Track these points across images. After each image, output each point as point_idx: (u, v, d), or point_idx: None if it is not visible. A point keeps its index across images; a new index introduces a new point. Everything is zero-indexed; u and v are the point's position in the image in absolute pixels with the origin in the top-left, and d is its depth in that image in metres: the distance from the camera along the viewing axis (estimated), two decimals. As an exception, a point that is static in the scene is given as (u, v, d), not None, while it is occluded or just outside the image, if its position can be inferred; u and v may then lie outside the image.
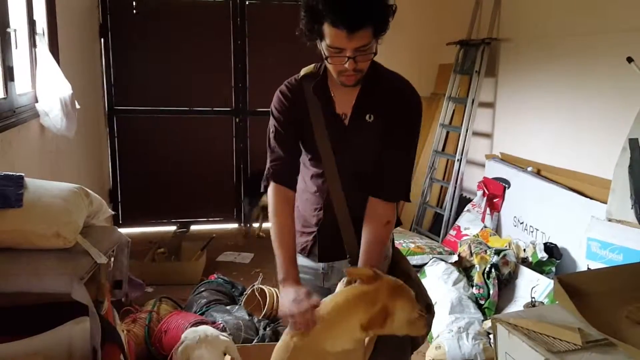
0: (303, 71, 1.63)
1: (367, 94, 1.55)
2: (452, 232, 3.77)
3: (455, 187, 4.02)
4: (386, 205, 1.55)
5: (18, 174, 1.64)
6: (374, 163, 1.56)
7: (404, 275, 1.60)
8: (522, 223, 3.38)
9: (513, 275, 2.97)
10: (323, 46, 1.47)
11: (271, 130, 1.64)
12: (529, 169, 3.41)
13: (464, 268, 3.13)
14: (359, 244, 1.54)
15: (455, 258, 3.21)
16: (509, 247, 3.13)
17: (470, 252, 3.15)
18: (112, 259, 1.90)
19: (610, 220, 2.45)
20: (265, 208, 4.00)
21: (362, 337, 1.36)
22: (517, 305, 2.83)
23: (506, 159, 3.71)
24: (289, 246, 1.55)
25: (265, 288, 2.99)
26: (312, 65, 1.62)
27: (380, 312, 1.32)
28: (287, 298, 1.44)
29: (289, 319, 1.41)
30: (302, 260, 1.63)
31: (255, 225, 4.59)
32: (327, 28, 1.42)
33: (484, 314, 2.82)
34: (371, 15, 1.40)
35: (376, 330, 1.35)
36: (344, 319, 1.36)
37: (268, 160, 1.63)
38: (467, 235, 3.56)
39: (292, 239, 1.56)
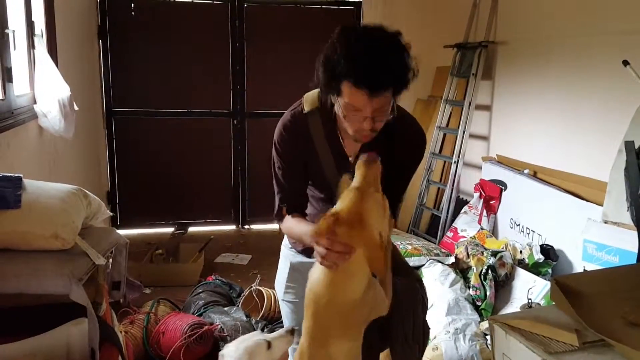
0: (307, 105, 1.58)
1: (374, 139, 1.52)
2: (449, 234, 3.78)
3: (452, 189, 4.03)
4: None
5: (16, 175, 1.64)
6: None
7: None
8: (519, 225, 3.39)
9: (509, 277, 2.98)
10: (340, 103, 1.43)
11: (277, 167, 1.63)
12: (526, 171, 3.43)
13: (460, 269, 3.14)
14: None
15: (452, 260, 3.22)
16: (506, 248, 3.14)
17: (467, 253, 3.16)
18: (111, 260, 1.90)
19: (606, 222, 2.46)
20: None
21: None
22: (513, 306, 2.84)
23: (503, 161, 3.73)
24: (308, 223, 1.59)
25: (263, 289, 2.99)
26: (316, 97, 1.57)
27: (368, 242, 1.30)
28: None
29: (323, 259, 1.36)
30: (302, 258, 1.67)
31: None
32: (346, 87, 1.37)
33: (480, 315, 2.83)
34: (394, 77, 1.37)
35: (380, 251, 1.32)
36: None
37: (277, 195, 1.65)
38: (463, 237, 3.57)
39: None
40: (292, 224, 1.62)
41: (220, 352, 1.68)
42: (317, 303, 1.38)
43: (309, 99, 1.58)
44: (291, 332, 1.68)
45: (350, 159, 1.57)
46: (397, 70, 1.37)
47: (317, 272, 1.39)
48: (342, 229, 1.29)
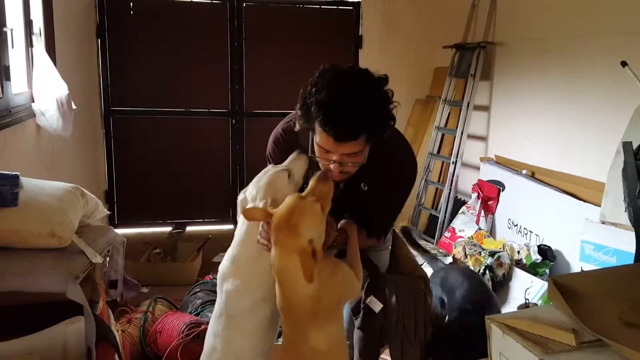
0: (298, 124, 1.58)
1: (366, 165, 1.52)
2: (447, 234, 3.78)
3: (450, 189, 4.03)
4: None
5: (13, 173, 1.64)
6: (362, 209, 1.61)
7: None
8: (516, 225, 3.39)
9: (507, 277, 2.98)
10: (314, 141, 1.46)
11: None
12: (524, 171, 3.43)
13: (458, 270, 3.14)
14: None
15: (449, 260, 3.22)
16: (503, 249, 3.14)
17: (465, 253, 3.17)
18: (108, 259, 1.89)
19: (603, 222, 2.46)
20: None
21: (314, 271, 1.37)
22: (511, 306, 2.84)
23: (501, 162, 3.73)
24: None
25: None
26: None
27: (297, 248, 1.35)
28: None
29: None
30: None
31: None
32: (317, 128, 1.40)
33: (478, 315, 2.83)
34: (364, 128, 1.36)
35: (307, 258, 1.35)
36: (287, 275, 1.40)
37: None
38: (461, 237, 3.57)
39: None
40: None
41: (239, 197, 1.62)
42: (282, 311, 1.44)
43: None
44: (298, 153, 1.63)
45: (339, 184, 1.58)
46: (367, 121, 1.35)
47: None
48: (272, 232, 1.38)
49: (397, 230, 1.97)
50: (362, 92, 1.36)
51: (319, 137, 1.41)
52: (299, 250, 1.33)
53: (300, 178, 1.59)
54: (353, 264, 1.51)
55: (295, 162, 1.60)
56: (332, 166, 1.43)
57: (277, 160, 1.67)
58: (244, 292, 1.58)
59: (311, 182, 1.44)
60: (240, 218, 1.60)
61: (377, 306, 1.62)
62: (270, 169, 1.61)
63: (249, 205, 1.57)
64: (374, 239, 1.71)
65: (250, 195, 1.59)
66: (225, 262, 1.64)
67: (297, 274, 1.34)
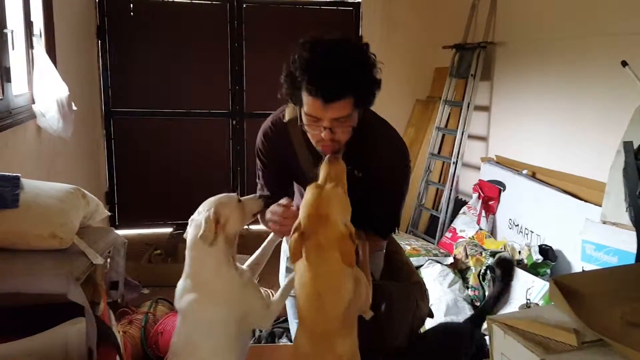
0: (288, 114, 1.60)
1: (356, 150, 1.52)
2: (448, 234, 3.78)
3: (450, 190, 4.03)
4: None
5: (14, 174, 1.64)
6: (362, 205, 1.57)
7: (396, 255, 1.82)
8: (517, 225, 3.39)
9: (508, 278, 2.98)
10: (302, 113, 1.45)
11: (258, 167, 1.73)
12: (524, 171, 3.43)
13: (459, 270, 3.14)
14: None
15: (450, 260, 3.22)
16: (504, 249, 3.14)
17: (466, 254, 3.17)
18: (109, 260, 1.89)
19: (604, 222, 2.46)
20: None
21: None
22: (512, 307, 2.84)
23: (501, 162, 3.73)
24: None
25: (262, 289, 2.99)
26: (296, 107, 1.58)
27: (337, 236, 1.31)
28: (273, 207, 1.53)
29: (270, 223, 1.51)
30: None
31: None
32: (304, 97, 1.39)
33: (479, 316, 2.83)
34: (350, 86, 1.35)
35: (349, 242, 1.32)
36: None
37: (257, 190, 1.75)
38: (462, 237, 3.57)
39: None
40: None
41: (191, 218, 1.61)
42: (311, 324, 1.39)
43: (291, 107, 1.61)
44: (259, 197, 1.65)
45: None
46: (352, 80, 1.35)
47: (304, 295, 1.39)
48: (310, 238, 1.32)
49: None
50: (346, 52, 1.37)
51: (306, 105, 1.40)
52: (339, 238, 1.30)
53: (250, 213, 1.60)
54: (364, 268, 1.50)
55: (250, 199, 1.62)
56: (322, 135, 1.42)
57: (267, 155, 1.66)
58: (204, 309, 1.54)
59: (322, 168, 1.42)
60: (189, 237, 1.58)
61: (367, 314, 1.61)
62: (221, 195, 1.63)
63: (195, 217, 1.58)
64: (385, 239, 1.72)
65: (198, 213, 1.60)
66: (180, 282, 1.62)
67: (340, 282, 1.32)
